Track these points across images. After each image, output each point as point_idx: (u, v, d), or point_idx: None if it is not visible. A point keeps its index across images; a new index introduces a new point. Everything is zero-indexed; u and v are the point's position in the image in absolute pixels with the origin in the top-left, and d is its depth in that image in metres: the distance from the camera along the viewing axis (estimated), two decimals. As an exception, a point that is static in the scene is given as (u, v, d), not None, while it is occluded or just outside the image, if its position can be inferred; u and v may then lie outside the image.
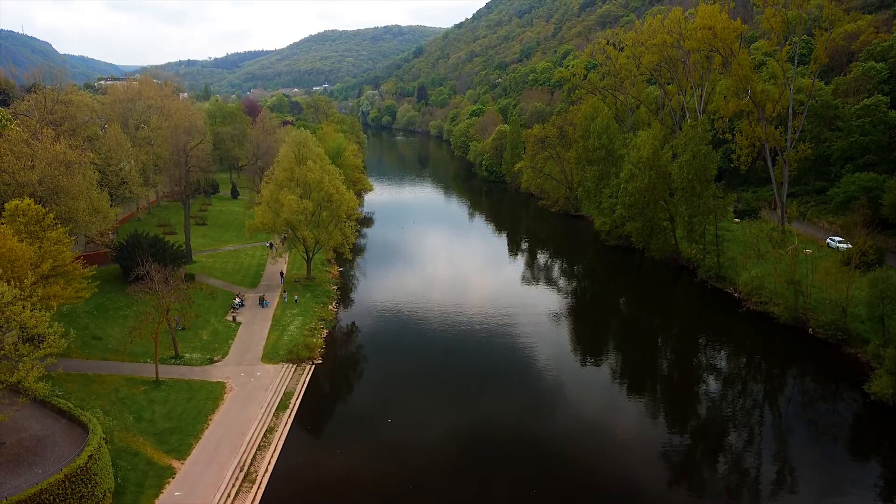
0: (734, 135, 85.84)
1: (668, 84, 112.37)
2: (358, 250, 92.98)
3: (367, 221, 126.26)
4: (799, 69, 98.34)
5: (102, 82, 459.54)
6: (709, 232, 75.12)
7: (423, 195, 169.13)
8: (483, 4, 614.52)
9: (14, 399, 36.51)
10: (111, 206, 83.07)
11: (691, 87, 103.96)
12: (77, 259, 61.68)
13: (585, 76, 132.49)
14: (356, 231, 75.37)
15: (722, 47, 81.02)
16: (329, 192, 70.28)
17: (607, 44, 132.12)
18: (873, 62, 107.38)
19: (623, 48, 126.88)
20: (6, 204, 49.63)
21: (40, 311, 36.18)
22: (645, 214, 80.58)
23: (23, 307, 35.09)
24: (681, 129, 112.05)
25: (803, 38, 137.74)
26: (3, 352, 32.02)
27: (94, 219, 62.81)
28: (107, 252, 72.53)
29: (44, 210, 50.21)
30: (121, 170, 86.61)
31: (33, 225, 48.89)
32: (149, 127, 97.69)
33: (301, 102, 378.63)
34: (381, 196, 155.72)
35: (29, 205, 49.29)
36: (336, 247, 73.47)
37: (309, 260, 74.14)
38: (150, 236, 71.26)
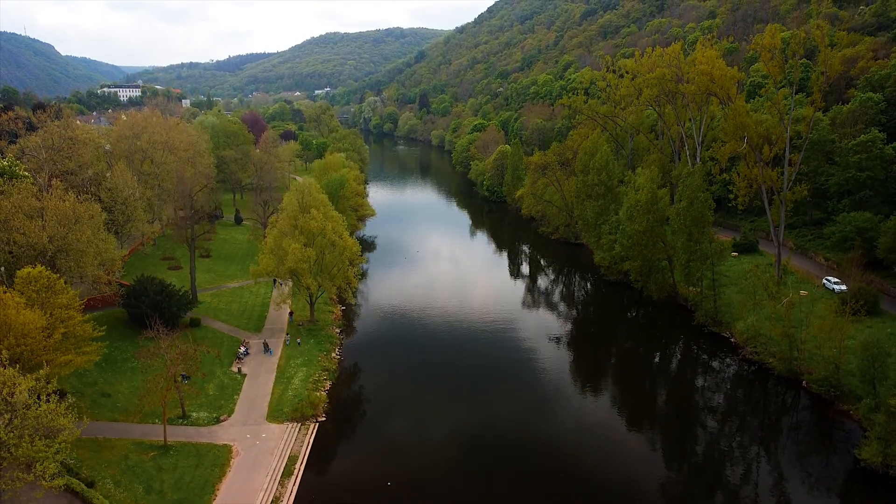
0: (731, 175, 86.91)
1: (667, 113, 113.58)
2: (359, 275, 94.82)
3: (369, 245, 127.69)
4: (798, 96, 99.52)
5: (105, 89, 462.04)
6: (706, 276, 76.23)
7: (424, 213, 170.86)
8: (485, 8, 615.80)
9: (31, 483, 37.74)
10: (118, 247, 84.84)
11: (690, 120, 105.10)
12: (83, 305, 63.69)
13: (586, 101, 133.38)
14: (358, 274, 76.47)
15: (720, 92, 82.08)
16: (332, 239, 71.60)
17: (608, 70, 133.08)
18: (871, 93, 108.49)
19: (623, 75, 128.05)
20: (18, 272, 50.88)
21: (56, 400, 37.24)
22: (643, 255, 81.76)
23: (38, 398, 36.37)
24: (679, 158, 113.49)
25: (802, 61, 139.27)
26: (20, 451, 33.23)
27: (101, 271, 64.13)
28: (112, 296, 73.80)
29: (55, 276, 51.48)
30: (127, 207, 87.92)
31: (44, 292, 50.21)
32: (154, 162, 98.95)
33: (303, 111, 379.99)
34: (382, 210, 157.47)
35: (40, 272, 50.62)
36: (339, 292, 74.88)
37: (312, 304, 75.40)
38: (156, 281, 72.48)
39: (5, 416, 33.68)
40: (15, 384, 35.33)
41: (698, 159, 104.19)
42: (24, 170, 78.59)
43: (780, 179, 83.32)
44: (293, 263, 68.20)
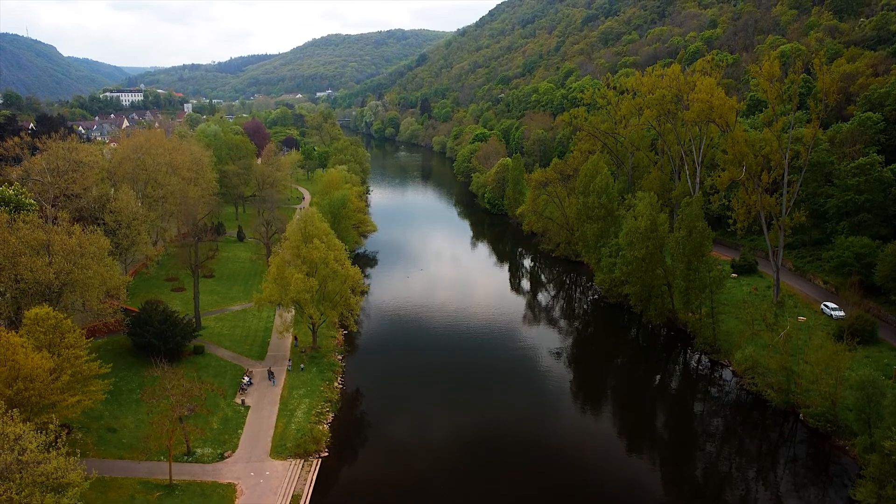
0: (730, 200, 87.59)
1: (668, 132, 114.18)
2: (363, 291, 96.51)
3: (371, 261, 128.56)
4: (798, 113, 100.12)
5: (108, 94, 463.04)
6: (705, 304, 76.92)
7: (426, 225, 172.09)
8: (486, 11, 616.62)
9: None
10: (123, 273, 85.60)
11: (690, 140, 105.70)
12: (87, 333, 64.54)
13: (587, 118, 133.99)
14: (360, 303, 77.28)
15: (719, 120, 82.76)
16: (334, 268, 72.44)
17: (608, 87, 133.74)
18: (870, 112, 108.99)
19: (623, 91, 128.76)
20: (27, 313, 51.66)
21: (66, 454, 37.94)
22: (643, 280, 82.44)
23: (47, 452, 37.12)
24: (679, 178, 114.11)
25: (802, 76, 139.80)
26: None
27: (106, 304, 64.94)
28: (116, 323, 74.56)
29: (62, 316, 52.24)
30: (131, 231, 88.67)
31: (52, 333, 50.99)
32: (157, 184, 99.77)
33: (305, 116, 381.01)
34: (384, 221, 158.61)
35: (48, 313, 51.41)
36: (341, 319, 75.86)
37: (314, 332, 76.23)
38: (160, 310, 73.19)
39: (16, 475, 34.41)
40: (26, 440, 36.02)
41: (698, 179, 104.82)
42: (30, 197, 79.52)
43: (778, 205, 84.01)
44: (296, 294, 69.05)
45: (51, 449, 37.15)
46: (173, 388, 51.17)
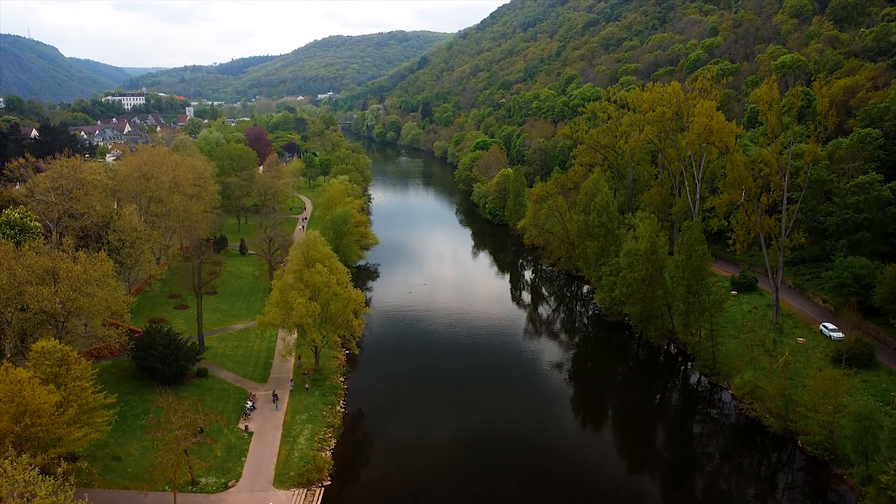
0: (730, 222, 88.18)
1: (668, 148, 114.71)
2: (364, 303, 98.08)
3: (372, 273, 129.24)
4: (799, 128, 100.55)
5: (109, 98, 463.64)
6: (704, 327, 77.47)
7: (427, 233, 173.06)
8: (487, 11, 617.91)
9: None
10: (126, 291, 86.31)
11: (690, 156, 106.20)
12: (91, 355, 65.21)
13: (587, 130, 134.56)
14: (362, 326, 77.92)
15: (718, 143, 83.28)
16: (336, 291, 73.10)
17: (608, 101, 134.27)
18: (870, 129, 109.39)
19: (624, 106, 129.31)
20: (34, 346, 52.33)
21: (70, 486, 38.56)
22: (643, 301, 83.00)
23: (55, 493, 37.78)
24: (680, 194, 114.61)
25: (802, 88, 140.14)
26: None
27: (110, 331, 65.59)
28: (120, 347, 75.16)
29: (68, 349, 52.90)
30: (134, 250, 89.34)
31: (58, 367, 51.62)
32: (161, 202, 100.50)
33: (307, 119, 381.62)
34: (385, 229, 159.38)
35: (55, 346, 52.07)
36: (343, 342, 76.62)
37: (317, 354, 76.92)
38: (163, 332, 73.85)
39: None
40: (36, 486, 36.69)
41: (699, 194, 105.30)
42: (35, 219, 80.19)
43: (777, 226, 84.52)
44: (298, 319, 69.73)
45: (59, 492, 37.80)
46: (178, 420, 51.77)
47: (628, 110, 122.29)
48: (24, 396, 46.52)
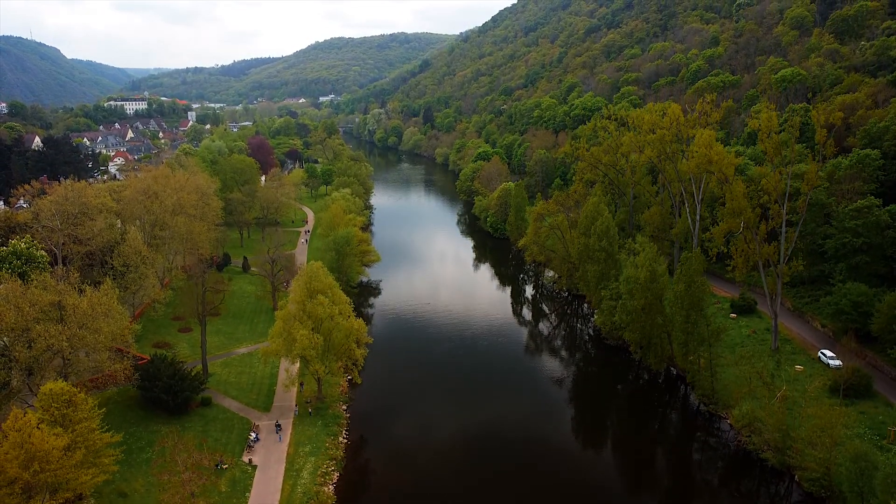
0: (728, 249, 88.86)
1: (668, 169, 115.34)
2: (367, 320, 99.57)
3: (374, 290, 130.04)
4: (799, 147, 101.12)
5: (112, 102, 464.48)
6: (703, 356, 78.14)
7: (428, 246, 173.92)
8: (488, 11, 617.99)
9: None
10: (130, 315, 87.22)
11: (690, 178, 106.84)
12: (95, 384, 65.88)
13: (588, 147, 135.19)
14: (364, 355, 78.66)
15: (718, 173, 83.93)
16: (339, 322, 73.92)
17: (608, 118, 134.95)
18: (869, 150, 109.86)
19: (624, 124, 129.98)
20: (42, 388, 53.15)
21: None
22: (643, 329, 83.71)
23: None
24: (680, 214, 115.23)
25: (802, 105, 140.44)
26: None
27: (116, 363, 66.43)
28: (125, 378, 75.90)
29: (75, 390, 53.71)
30: (139, 275, 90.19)
31: (66, 408, 52.42)
32: (165, 224, 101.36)
33: (308, 125, 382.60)
34: (386, 239, 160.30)
35: (62, 388, 52.87)
36: (345, 371, 77.56)
37: (319, 384, 77.78)
38: (167, 362, 74.63)
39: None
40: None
41: (698, 215, 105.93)
42: (41, 248, 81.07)
43: (776, 254, 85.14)
44: (301, 350, 70.56)
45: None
46: (184, 462, 52.60)
47: (628, 129, 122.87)
48: (32, 443, 47.36)
